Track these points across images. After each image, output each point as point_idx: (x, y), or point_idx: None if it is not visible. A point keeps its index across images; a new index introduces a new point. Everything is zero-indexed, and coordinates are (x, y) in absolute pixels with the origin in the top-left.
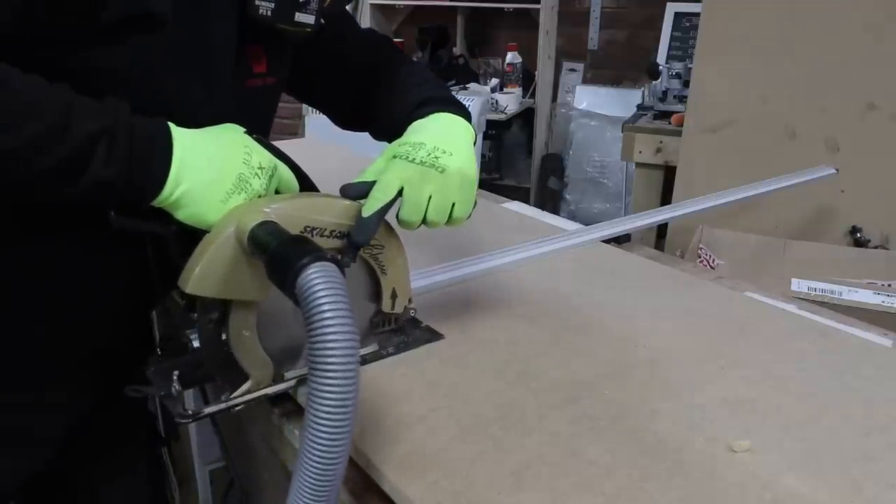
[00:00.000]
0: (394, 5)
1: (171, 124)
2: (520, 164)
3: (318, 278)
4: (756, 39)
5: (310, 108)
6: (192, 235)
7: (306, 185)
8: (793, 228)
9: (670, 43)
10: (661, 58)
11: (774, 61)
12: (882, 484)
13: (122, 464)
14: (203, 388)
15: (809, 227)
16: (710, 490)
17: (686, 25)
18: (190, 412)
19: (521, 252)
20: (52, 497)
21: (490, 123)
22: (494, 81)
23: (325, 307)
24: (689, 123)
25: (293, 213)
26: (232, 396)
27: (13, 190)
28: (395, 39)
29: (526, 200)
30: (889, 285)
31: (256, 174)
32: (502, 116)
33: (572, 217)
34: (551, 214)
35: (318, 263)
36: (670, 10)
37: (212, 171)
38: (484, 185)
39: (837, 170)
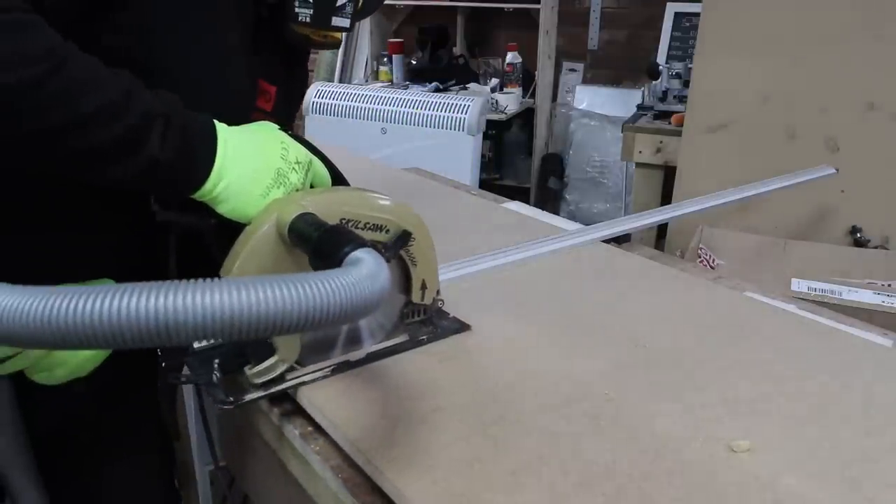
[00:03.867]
0: (394, 5)
1: (215, 121)
2: (520, 164)
3: (368, 256)
4: (756, 39)
5: (310, 109)
6: (230, 229)
7: (338, 179)
8: (793, 228)
9: (670, 43)
10: (661, 58)
11: (774, 61)
12: (882, 484)
13: (131, 452)
14: (199, 393)
15: (809, 227)
16: (710, 490)
17: (686, 25)
18: (231, 399)
19: (521, 252)
20: (56, 485)
21: (490, 123)
22: (494, 81)
23: (369, 261)
24: (689, 123)
25: (330, 206)
26: (255, 371)
27: (72, 164)
28: (396, 39)
29: (526, 200)
30: (889, 285)
31: (294, 169)
32: (502, 116)
33: (572, 217)
34: (551, 214)
35: (364, 248)
36: (670, 10)
37: (252, 167)
38: (484, 185)
39: (837, 170)
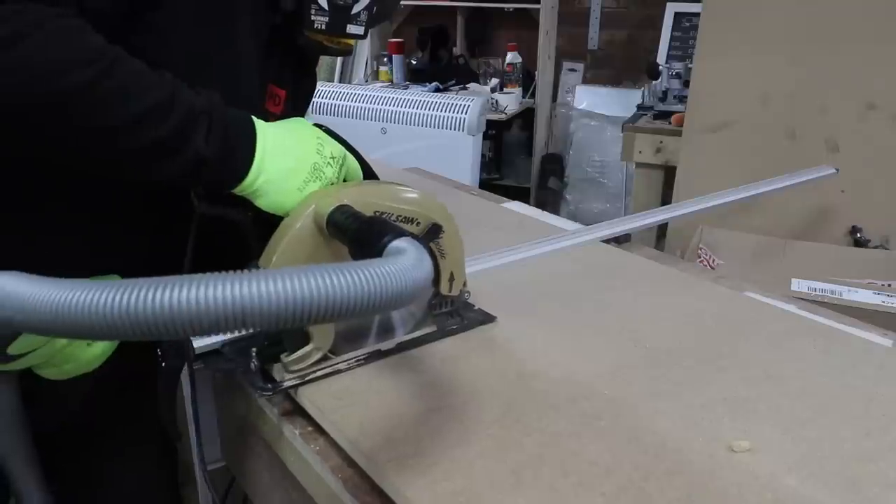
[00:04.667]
0: None
1: (253, 117)
2: (520, 164)
3: (409, 245)
4: (756, 39)
5: (310, 109)
6: (267, 221)
7: (368, 173)
8: (793, 228)
9: (670, 43)
10: (661, 58)
11: (774, 61)
12: (882, 484)
13: (133, 453)
14: (194, 389)
15: (809, 227)
16: (710, 490)
17: (686, 25)
18: (270, 385)
19: (521, 252)
20: (58, 485)
21: (490, 123)
22: (494, 81)
23: (410, 251)
24: (689, 123)
25: (365, 199)
26: (292, 358)
27: (121, 163)
28: (396, 39)
29: (526, 200)
30: (889, 285)
31: (329, 163)
32: (502, 116)
33: (572, 217)
34: (551, 214)
35: (404, 237)
36: (670, 10)
37: (290, 162)
38: (484, 185)
39: (837, 170)
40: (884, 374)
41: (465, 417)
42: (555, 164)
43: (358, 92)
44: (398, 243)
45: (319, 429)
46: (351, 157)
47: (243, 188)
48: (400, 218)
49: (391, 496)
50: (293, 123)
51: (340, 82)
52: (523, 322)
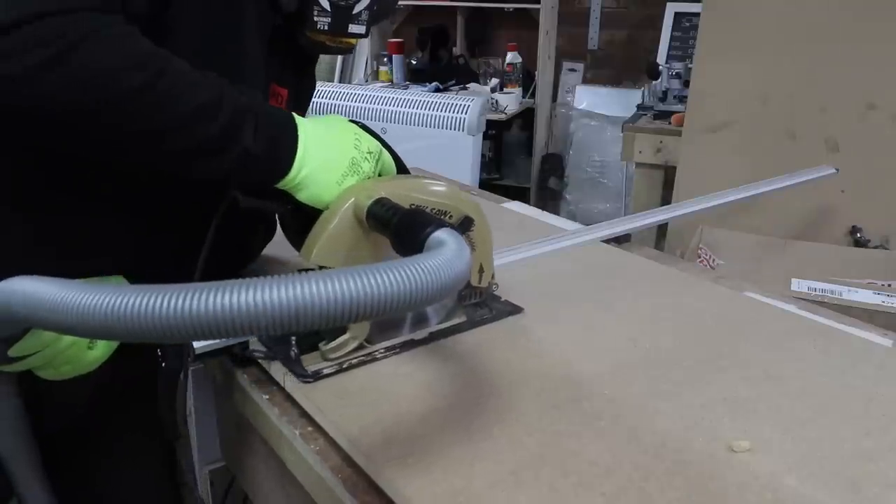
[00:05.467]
0: None
1: (293, 113)
2: (520, 164)
3: (449, 236)
4: (756, 39)
5: (310, 109)
6: (305, 214)
7: (401, 168)
8: (793, 228)
9: (670, 43)
10: (661, 58)
11: (774, 61)
12: (882, 484)
13: (132, 453)
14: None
15: (809, 227)
16: (710, 490)
17: (686, 25)
18: (311, 372)
19: (521, 252)
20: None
21: (490, 123)
22: (494, 81)
23: (450, 247)
24: (689, 123)
25: (402, 192)
26: (330, 347)
27: (174, 161)
28: (396, 39)
29: (526, 200)
30: (889, 285)
31: (366, 158)
32: (502, 116)
33: (572, 217)
34: (551, 214)
35: (444, 228)
36: (670, 10)
37: (329, 156)
38: (484, 185)
39: (837, 170)
40: (884, 374)
41: (465, 417)
42: (555, 164)
43: (358, 92)
44: (439, 234)
45: (319, 429)
46: (386, 153)
47: (286, 182)
48: (434, 211)
49: (391, 496)
50: (331, 119)
51: (340, 82)
52: (524, 322)
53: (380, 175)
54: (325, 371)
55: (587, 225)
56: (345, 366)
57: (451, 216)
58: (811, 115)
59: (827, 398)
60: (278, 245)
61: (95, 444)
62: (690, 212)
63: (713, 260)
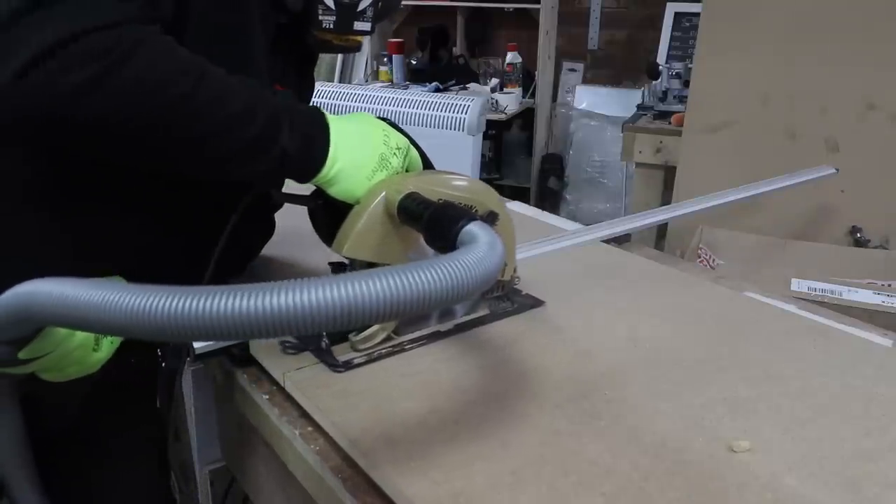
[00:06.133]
0: None
1: (323, 110)
2: (520, 164)
3: (480, 230)
4: (756, 39)
5: None
6: (335, 209)
7: (427, 164)
8: (793, 228)
9: (670, 43)
10: (661, 58)
11: (774, 61)
12: (882, 484)
13: (129, 455)
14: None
15: (809, 227)
16: (710, 490)
17: (686, 25)
18: (342, 362)
19: (522, 252)
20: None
21: (490, 123)
22: (494, 81)
23: (484, 241)
24: (689, 123)
25: (430, 187)
26: (360, 338)
27: (215, 165)
28: (396, 39)
29: (526, 200)
30: (889, 285)
31: (394, 153)
32: (502, 116)
33: (572, 217)
34: (551, 214)
35: (475, 222)
36: (670, 10)
37: (360, 152)
38: None
39: (837, 170)
40: (884, 374)
41: (465, 417)
42: (555, 164)
43: (358, 92)
44: (471, 228)
45: (319, 429)
46: (413, 148)
47: (319, 178)
48: (460, 205)
49: (391, 496)
50: (359, 116)
51: (340, 82)
52: (523, 322)
53: (407, 170)
54: (356, 361)
55: (587, 225)
56: (374, 356)
57: (476, 210)
58: (811, 115)
59: (827, 398)
60: (276, 245)
61: (90, 444)
62: (690, 212)
63: (713, 260)
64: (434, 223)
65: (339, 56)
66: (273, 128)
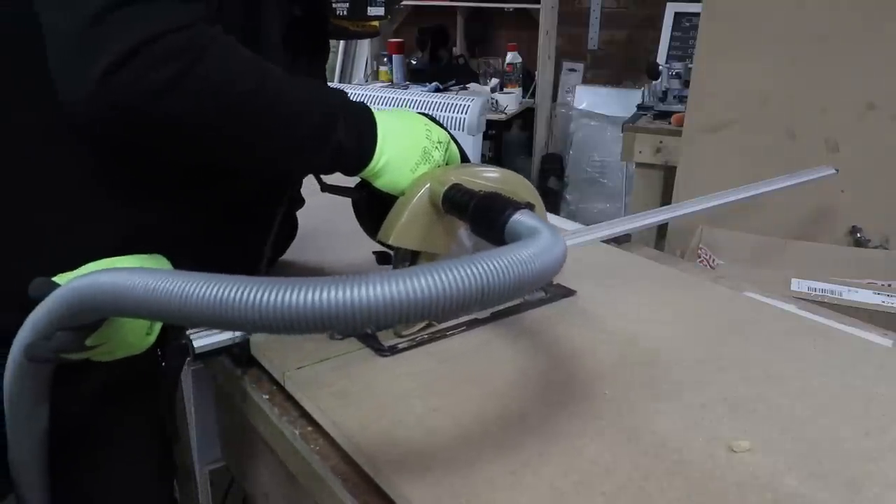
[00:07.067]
0: None
1: (368, 105)
2: (520, 164)
3: (529, 218)
4: (756, 39)
5: None
6: (379, 201)
7: (464, 158)
8: (793, 228)
9: (670, 43)
10: (661, 58)
11: (774, 61)
12: (882, 484)
13: (130, 454)
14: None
15: (809, 227)
16: (710, 490)
17: (686, 25)
18: (387, 346)
19: None
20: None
21: (490, 123)
22: (494, 81)
23: (543, 231)
24: (689, 123)
25: (471, 179)
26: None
27: (278, 158)
28: (396, 39)
29: None
30: (889, 285)
31: (436, 147)
32: (502, 116)
33: (572, 217)
34: (551, 214)
35: (523, 210)
36: (670, 10)
37: (404, 145)
38: None
39: (837, 170)
40: (884, 374)
41: (465, 417)
42: (555, 164)
43: (358, 92)
44: (519, 216)
45: (319, 429)
46: (452, 143)
47: (367, 171)
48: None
49: (391, 496)
50: (402, 111)
51: (340, 82)
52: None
53: (447, 164)
54: (400, 346)
55: (587, 225)
56: (416, 341)
57: None
58: (811, 115)
59: (827, 398)
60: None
61: (90, 444)
62: (690, 212)
63: (713, 260)
64: (481, 212)
65: (340, 56)
66: (330, 121)
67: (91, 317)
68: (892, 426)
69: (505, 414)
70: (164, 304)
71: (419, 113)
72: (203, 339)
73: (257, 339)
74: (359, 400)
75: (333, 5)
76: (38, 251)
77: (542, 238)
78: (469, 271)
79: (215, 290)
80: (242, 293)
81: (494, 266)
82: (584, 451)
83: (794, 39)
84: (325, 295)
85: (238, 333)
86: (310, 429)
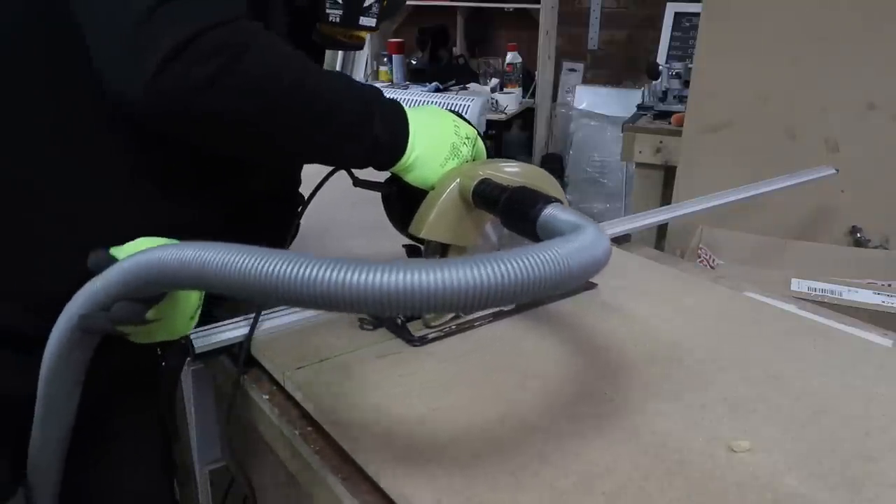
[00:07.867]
0: None
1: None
2: None
3: (561, 211)
4: (756, 39)
5: None
6: (409, 195)
7: (490, 153)
8: (793, 228)
9: (670, 43)
10: (661, 58)
11: (774, 61)
12: (882, 484)
13: (130, 454)
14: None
15: (809, 227)
16: (710, 490)
17: (686, 25)
18: (417, 337)
19: None
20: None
21: (490, 123)
22: (494, 81)
23: (579, 222)
24: (689, 123)
25: (499, 174)
26: (432, 314)
27: (316, 151)
28: (396, 39)
29: None
30: (889, 285)
31: (465, 143)
32: (502, 116)
33: None
34: None
35: (555, 204)
36: (670, 10)
37: (434, 141)
38: None
39: (837, 170)
40: (884, 374)
41: (465, 417)
42: (555, 164)
43: None
44: (551, 210)
45: (319, 429)
46: (479, 139)
47: (399, 166)
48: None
49: (391, 496)
50: (431, 108)
51: None
52: (523, 322)
53: (474, 159)
54: (430, 336)
55: None
56: (445, 331)
57: None
58: (811, 115)
59: (827, 398)
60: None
61: (90, 444)
62: (690, 212)
63: (713, 260)
64: (513, 206)
65: (340, 56)
66: (367, 117)
67: (157, 290)
68: (892, 426)
69: (506, 414)
70: (237, 280)
71: (448, 110)
72: (203, 339)
73: (258, 339)
74: (359, 400)
75: (327, 10)
76: (66, 244)
77: (589, 231)
78: (532, 261)
79: (298, 268)
80: (342, 273)
81: (553, 255)
82: (584, 451)
83: (794, 39)
84: (410, 277)
85: (238, 334)
86: (310, 429)
